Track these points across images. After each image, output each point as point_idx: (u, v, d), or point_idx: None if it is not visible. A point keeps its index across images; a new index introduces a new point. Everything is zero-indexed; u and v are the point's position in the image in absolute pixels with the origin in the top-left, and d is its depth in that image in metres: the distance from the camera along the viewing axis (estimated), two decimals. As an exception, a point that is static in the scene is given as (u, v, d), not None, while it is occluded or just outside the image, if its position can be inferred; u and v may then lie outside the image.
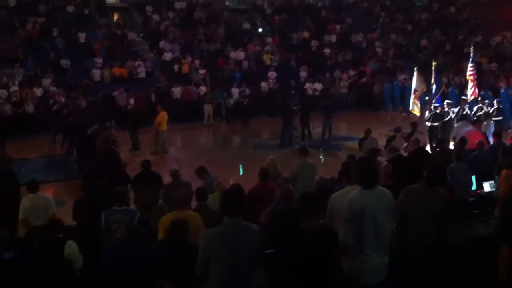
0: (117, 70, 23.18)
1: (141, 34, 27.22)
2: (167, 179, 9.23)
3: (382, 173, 7.00)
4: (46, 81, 20.94)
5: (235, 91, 22.46)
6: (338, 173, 7.66)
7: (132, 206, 8.10)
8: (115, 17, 28.82)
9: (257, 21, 30.51)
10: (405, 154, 10.42)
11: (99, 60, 23.27)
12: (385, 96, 24.08)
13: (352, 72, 26.21)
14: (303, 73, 25.63)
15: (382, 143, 12.80)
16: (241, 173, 14.29)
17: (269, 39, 28.19)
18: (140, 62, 23.88)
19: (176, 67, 24.32)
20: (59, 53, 23.07)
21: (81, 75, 22.56)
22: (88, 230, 6.74)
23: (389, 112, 23.64)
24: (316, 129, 18.20)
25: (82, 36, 24.67)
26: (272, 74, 24.77)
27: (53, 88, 20.23)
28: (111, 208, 6.54)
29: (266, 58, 26.53)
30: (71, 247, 5.80)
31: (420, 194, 5.08)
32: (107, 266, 6.43)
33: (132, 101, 19.83)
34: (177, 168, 9.40)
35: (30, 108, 19.31)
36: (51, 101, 18.47)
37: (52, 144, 17.10)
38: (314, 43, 28.64)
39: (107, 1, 29.11)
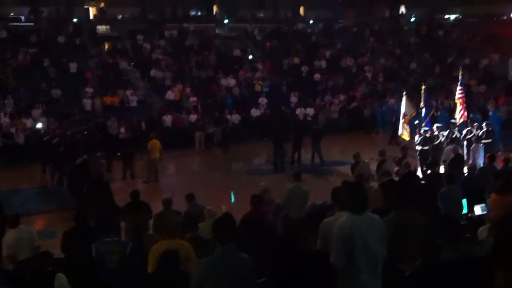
0: (108, 99, 23.23)
1: (132, 64, 27.31)
2: (159, 207, 9.17)
3: (374, 197, 7.02)
4: (36, 112, 20.89)
5: (233, 117, 22.61)
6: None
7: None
8: (106, 46, 28.98)
9: (248, 47, 30.78)
10: (396, 178, 10.46)
11: (90, 90, 23.29)
12: (377, 120, 24.19)
13: (342, 97, 26.34)
14: (293, 99, 25.73)
15: (373, 167, 12.84)
16: (232, 200, 14.23)
17: (260, 65, 28.38)
18: (132, 91, 23.94)
19: (168, 94, 24.33)
20: (50, 83, 23.09)
21: (72, 104, 22.56)
22: (78, 262, 6.65)
23: (380, 135, 23.67)
24: (308, 155, 18.20)
25: (73, 66, 24.76)
26: (263, 100, 24.86)
27: (43, 119, 20.18)
28: (102, 240, 6.48)
29: (257, 84, 26.65)
30: (61, 280, 5.73)
31: (398, 222, 5.11)
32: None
33: (123, 129, 19.79)
34: (169, 197, 9.35)
35: (20, 139, 19.20)
36: (42, 131, 18.43)
37: (42, 174, 16.99)
38: (304, 68, 28.89)
39: (98, 31, 29.34)
